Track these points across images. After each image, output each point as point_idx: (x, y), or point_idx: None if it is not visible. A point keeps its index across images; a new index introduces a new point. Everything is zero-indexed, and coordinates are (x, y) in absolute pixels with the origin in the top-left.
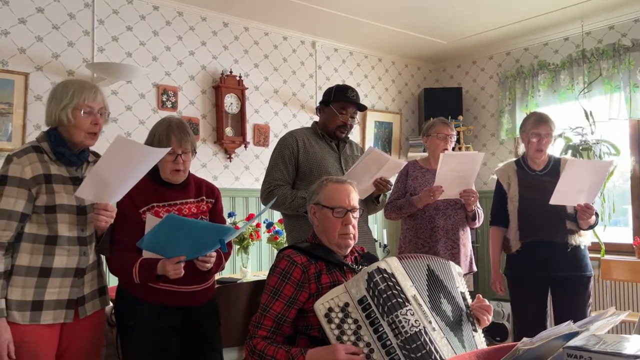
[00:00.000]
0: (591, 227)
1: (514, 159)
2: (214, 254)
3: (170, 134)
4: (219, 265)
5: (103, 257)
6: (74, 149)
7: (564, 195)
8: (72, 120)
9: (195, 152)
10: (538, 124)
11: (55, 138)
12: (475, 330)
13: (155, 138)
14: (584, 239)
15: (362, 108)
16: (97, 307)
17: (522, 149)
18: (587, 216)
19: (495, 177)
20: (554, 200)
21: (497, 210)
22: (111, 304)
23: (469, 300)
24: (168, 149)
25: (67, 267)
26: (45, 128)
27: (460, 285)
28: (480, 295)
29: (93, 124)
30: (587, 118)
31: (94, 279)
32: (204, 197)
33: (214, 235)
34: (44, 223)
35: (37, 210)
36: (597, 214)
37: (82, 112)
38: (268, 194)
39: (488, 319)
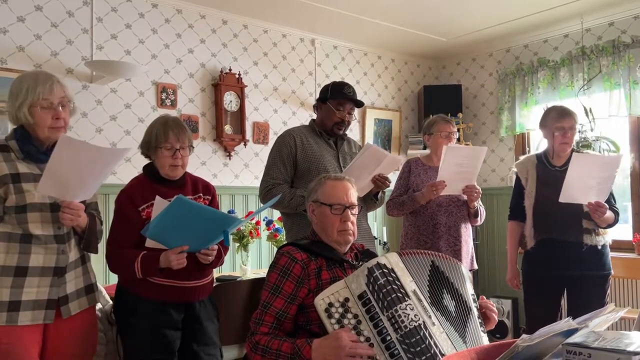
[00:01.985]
0: (610, 225)
1: (535, 152)
2: (216, 247)
3: (168, 129)
4: (219, 259)
5: (91, 255)
6: (41, 147)
7: (572, 193)
8: (30, 118)
9: (193, 148)
10: (562, 117)
11: (21, 136)
12: (484, 332)
13: (153, 135)
14: (602, 237)
15: (360, 104)
16: (84, 306)
17: (539, 143)
18: (599, 215)
19: (515, 170)
20: (563, 198)
21: (515, 205)
22: (110, 302)
23: (478, 303)
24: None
25: (45, 266)
26: None
27: (470, 287)
28: (484, 297)
29: (55, 118)
30: (587, 115)
31: (79, 277)
32: (201, 194)
33: (218, 225)
34: (16, 223)
35: (8, 210)
36: (617, 212)
37: (39, 109)
38: (267, 192)
39: (495, 319)
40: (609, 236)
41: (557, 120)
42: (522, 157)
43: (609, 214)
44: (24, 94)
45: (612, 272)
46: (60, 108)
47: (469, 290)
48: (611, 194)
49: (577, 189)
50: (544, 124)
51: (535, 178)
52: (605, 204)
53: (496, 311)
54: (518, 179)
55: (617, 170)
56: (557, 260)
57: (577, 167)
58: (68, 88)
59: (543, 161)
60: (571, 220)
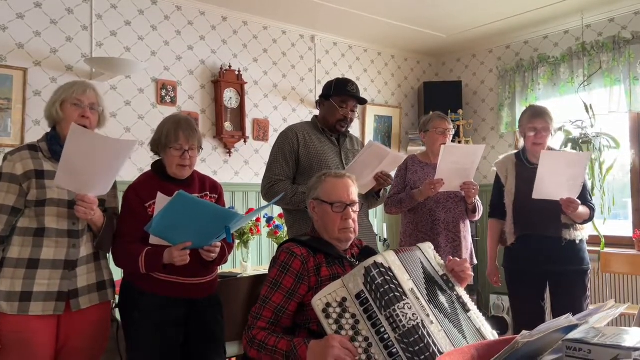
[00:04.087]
0: (586, 221)
1: (514, 151)
2: (219, 244)
3: (179, 130)
4: (222, 257)
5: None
6: None
7: (544, 189)
8: (60, 113)
9: (202, 149)
10: (534, 117)
11: (51, 137)
12: (468, 310)
13: (163, 134)
14: (580, 233)
15: (363, 102)
16: (94, 302)
17: (522, 142)
18: (571, 210)
19: (495, 169)
20: (536, 194)
21: (495, 203)
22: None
23: (453, 281)
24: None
25: (56, 259)
26: (45, 124)
27: (439, 268)
28: (451, 257)
29: (81, 116)
30: (587, 111)
31: (91, 273)
32: (208, 192)
33: (220, 220)
34: (34, 216)
35: (29, 204)
36: (592, 208)
37: (69, 105)
38: (269, 189)
39: (468, 275)
40: (585, 231)
41: (529, 120)
42: (501, 157)
43: (582, 209)
44: (60, 93)
45: (590, 266)
46: (89, 110)
47: (439, 273)
48: (587, 191)
49: (549, 185)
50: (520, 122)
51: (515, 176)
52: (577, 200)
53: (463, 266)
54: (498, 178)
55: (587, 168)
56: (537, 256)
57: (546, 164)
58: (102, 98)
59: (522, 159)
60: (550, 216)
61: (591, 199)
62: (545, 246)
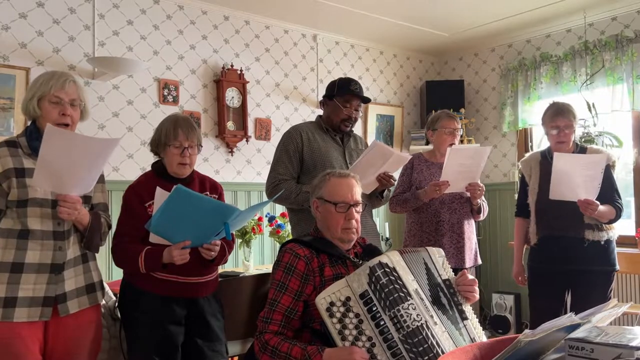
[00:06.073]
0: (612, 220)
1: (540, 149)
2: (219, 242)
3: (178, 128)
4: (222, 256)
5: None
6: None
7: (560, 190)
8: (38, 111)
9: (201, 147)
10: (556, 116)
11: (30, 132)
12: (466, 318)
13: (163, 133)
14: (605, 233)
15: (366, 100)
16: (84, 305)
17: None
18: (590, 212)
19: (520, 167)
20: (553, 195)
21: (521, 202)
22: (114, 298)
23: (455, 287)
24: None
25: (41, 263)
26: None
27: (444, 272)
28: (466, 271)
29: (61, 114)
30: (590, 110)
31: (79, 275)
32: (208, 192)
33: (219, 215)
34: (16, 217)
35: (10, 205)
36: (619, 207)
37: (47, 102)
38: (273, 188)
39: (475, 294)
40: (614, 231)
41: (552, 119)
42: (527, 155)
43: (605, 209)
44: (37, 87)
45: (618, 267)
46: (70, 107)
47: (441, 277)
48: (615, 190)
49: (564, 186)
50: (542, 121)
51: (539, 175)
52: (596, 201)
53: (472, 286)
54: (523, 176)
55: (602, 170)
56: (559, 256)
57: (560, 166)
58: (83, 90)
59: (547, 158)
60: (573, 216)
61: (619, 197)
62: (567, 247)
